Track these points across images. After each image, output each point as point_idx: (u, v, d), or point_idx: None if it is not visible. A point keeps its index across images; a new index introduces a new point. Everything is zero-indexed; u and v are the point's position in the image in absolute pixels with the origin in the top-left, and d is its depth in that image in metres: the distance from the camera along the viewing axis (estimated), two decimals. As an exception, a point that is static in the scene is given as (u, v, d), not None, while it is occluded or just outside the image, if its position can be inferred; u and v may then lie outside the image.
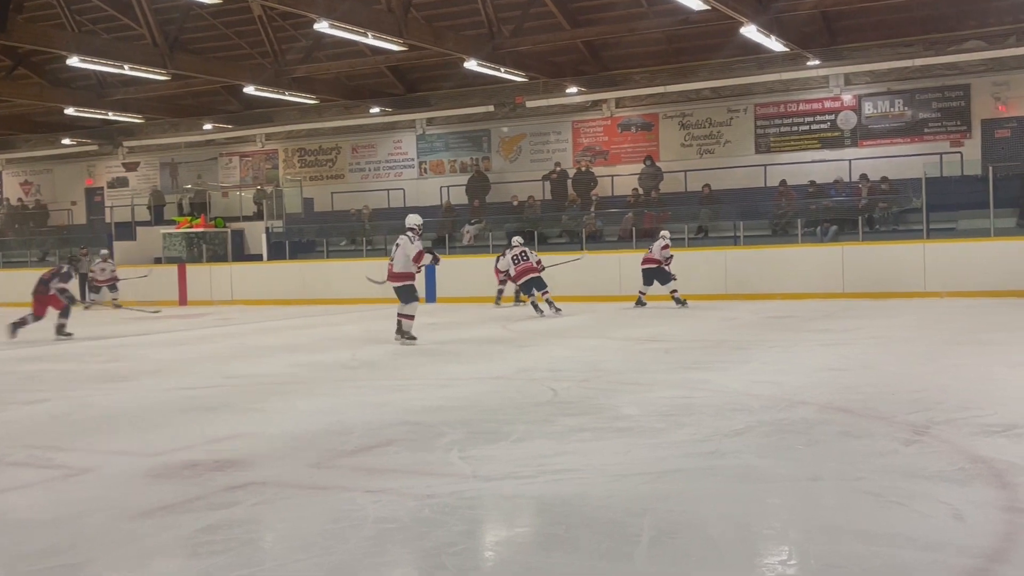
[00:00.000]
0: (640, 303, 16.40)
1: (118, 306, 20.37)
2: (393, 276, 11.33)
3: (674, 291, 16.44)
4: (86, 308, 20.91)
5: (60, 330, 13.49)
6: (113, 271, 21.37)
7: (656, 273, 16.29)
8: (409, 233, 11.47)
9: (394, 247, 11.48)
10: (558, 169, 22.55)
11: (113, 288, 21.30)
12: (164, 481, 4.62)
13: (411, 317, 11.26)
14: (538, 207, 21.93)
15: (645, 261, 16.42)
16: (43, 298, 13.37)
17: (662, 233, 16.86)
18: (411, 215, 11.72)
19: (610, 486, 4.31)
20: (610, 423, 5.80)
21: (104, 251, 21.88)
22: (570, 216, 21.47)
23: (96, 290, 21.47)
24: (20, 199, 29.90)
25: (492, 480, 4.46)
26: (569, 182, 22.39)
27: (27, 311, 13.49)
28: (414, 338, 11.06)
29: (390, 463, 4.88)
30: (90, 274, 21.55)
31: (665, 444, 5.16)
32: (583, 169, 22.43)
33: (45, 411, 6.91)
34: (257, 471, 4.76)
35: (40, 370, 9.60)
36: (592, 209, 21.40)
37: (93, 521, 4.00)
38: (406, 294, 11.32)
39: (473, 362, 9.35)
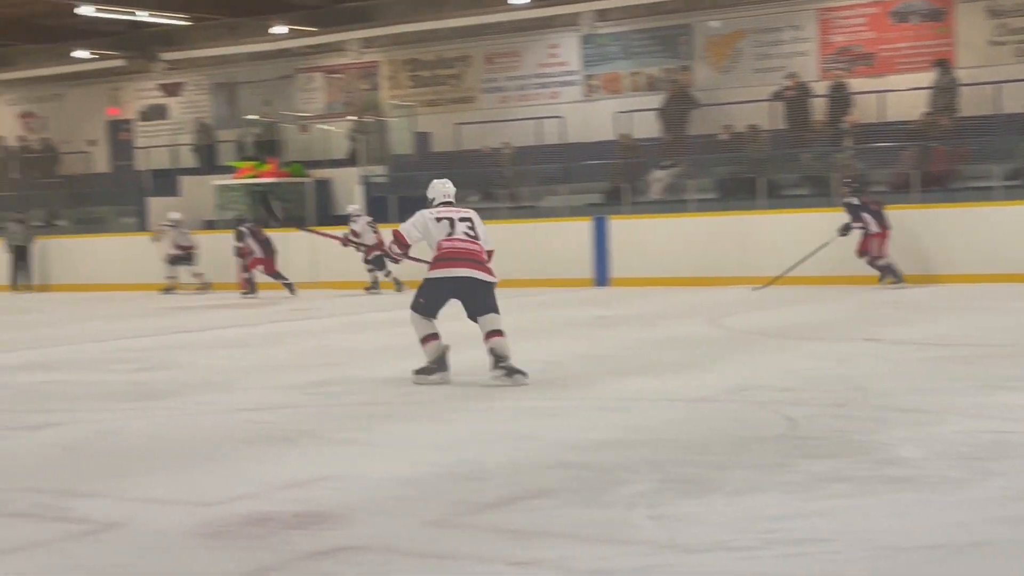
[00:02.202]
0: (896, 279, 17.07)
1: (204, 286, 21.38)
2: (484, 265, 9.23)
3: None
4: (168, 292, 21.90)
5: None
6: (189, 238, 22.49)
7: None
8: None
9: (452, 222, 9.33)
10: (795, 83, 22.17)
11: (189, 260, 22.32)
12: (221, 543, 4.76)
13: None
14: (764, 141, 21.63)
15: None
16: None
17: None
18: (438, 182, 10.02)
19: (878, 565, 4.22)
20: (878, 470, 5.69)
21: (174, 214, 22.83)
22: (814, 154, 21.05)
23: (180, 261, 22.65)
24: (20, 137, 31.45)
25: (696, 552, 4.42)
26: (813, 102, 21.98)
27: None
28: (522, 373, 8.96)
29: (545, 523, 4.89)
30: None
31: (965, 503, 5.04)
32: (835, 82, 21.98)
33: (56, 440, 7.24)
34: (354, 531, 4.86)
35: (48, 382, 10.07)
36: (847, 143, 20.95)
37: (124, 597, 4.16)
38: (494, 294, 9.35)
39: (665, 375, 9.30)
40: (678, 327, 13.15)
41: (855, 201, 17.65)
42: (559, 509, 5.11)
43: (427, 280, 9.17)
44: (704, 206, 20.77)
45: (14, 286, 25.62)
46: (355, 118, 26.06)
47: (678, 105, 23.08)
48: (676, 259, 19.65)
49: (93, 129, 30.76)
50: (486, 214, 22.36)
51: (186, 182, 26.35)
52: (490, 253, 9.27)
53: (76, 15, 25.47)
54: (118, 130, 30.49)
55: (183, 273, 22.69)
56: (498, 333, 9.00)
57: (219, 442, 6.98)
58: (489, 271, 9.13)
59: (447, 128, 25.36)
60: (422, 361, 9.15)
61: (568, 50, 24.91)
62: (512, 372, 8.85)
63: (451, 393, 8.67)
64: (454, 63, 26.22)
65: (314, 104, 27.86)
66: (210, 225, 25.17)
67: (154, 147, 27.75)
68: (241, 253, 20.93)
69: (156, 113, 29.87)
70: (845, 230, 17.50)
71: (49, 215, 28.01)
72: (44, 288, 25.58)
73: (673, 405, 7.86)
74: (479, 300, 9.08)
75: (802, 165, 21.18)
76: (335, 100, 27.64)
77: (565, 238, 20.88)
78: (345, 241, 16.43)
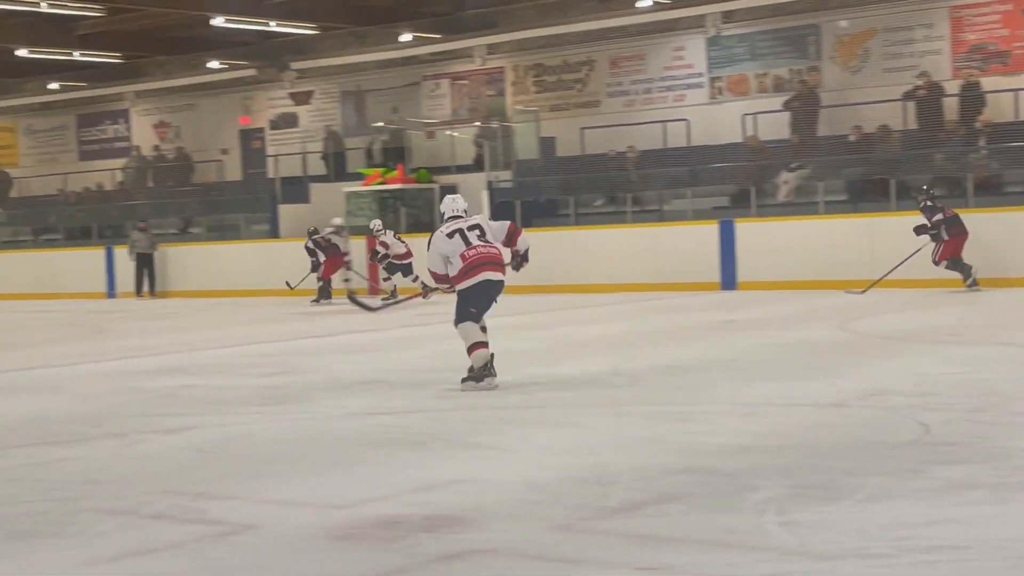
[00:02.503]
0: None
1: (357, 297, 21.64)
2: (503, 266, 9.63)
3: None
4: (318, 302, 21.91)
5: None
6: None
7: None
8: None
9: (462, 232, 9.45)
10: (927, 82, 21.79)
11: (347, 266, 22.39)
12: (352, 545, 4.84)
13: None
14: (895, 141, 21.29)
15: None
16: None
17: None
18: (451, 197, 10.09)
19: (1016, 574, 4.16)
20: (1015, 476, 5.60)
21: (337, 220, 22.99)
22: (947, 155, 20.67)
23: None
24: (155, 147, 32.21)
25: (828, 559, 4.38)
26: (945, 101, 21.58)
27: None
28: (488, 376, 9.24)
29: (672, 528, 4.89)
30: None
31: (1106, 512, 4.91)
32: (967, 81, 21.56)
33: (191, 444, 7.42)
34: (482, 534, 4.90)
35: (181, 386, 10.30)
36: (981, 143, 20.53)
37: (259, 598, 4.25)
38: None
39: (792, 379, 9.24)
40: (807, 331, 13.02)
41: (930, 203, 17.68)
42: (687, 514, 5.10)
43: (465, 290, 9.38)
44: (833, 208, 20.52)
45: (139, 293, 26.26)
46: (480, 124, 26.20)
47: (806, 106, 22.79)
48: (804, 262, 19.43)
49: (225, 138, 31.35)
50: (611, 218, 22.78)
51: (315, 189, 26.73)
52: (517, 233, 9.94)
53: (209, 27, 26.02)
54: (249, 138, 31.03)
55: (337, 279, 22.51)
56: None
57: (350, 445, 7.09)
58: (505, 271, 9.57)
59: (572, 132, 25.35)
60: (463, 369, 9.36)
61: (694, 52, 24.77)
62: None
63: (577, 399, 8.69)
64: (579, 67, 26.22)
65: (440, 110, 28.07)
66: (339, 230, 25.46)
67: (284, 155, 28.17)
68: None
69: (286, 121, 30.33)
70: (928, 231, 17.61)
71: (183, 222, 28.62)
72: (164, 295, 26.13)
73: (803, 410, 7.80)
74: (495, 301, 9.50)
75: (934, 166, 20.79)
76: (461, 106, 27.82)
77: (691, 242, 20.77)
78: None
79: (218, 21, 25.03)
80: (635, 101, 25.47)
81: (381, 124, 27.78)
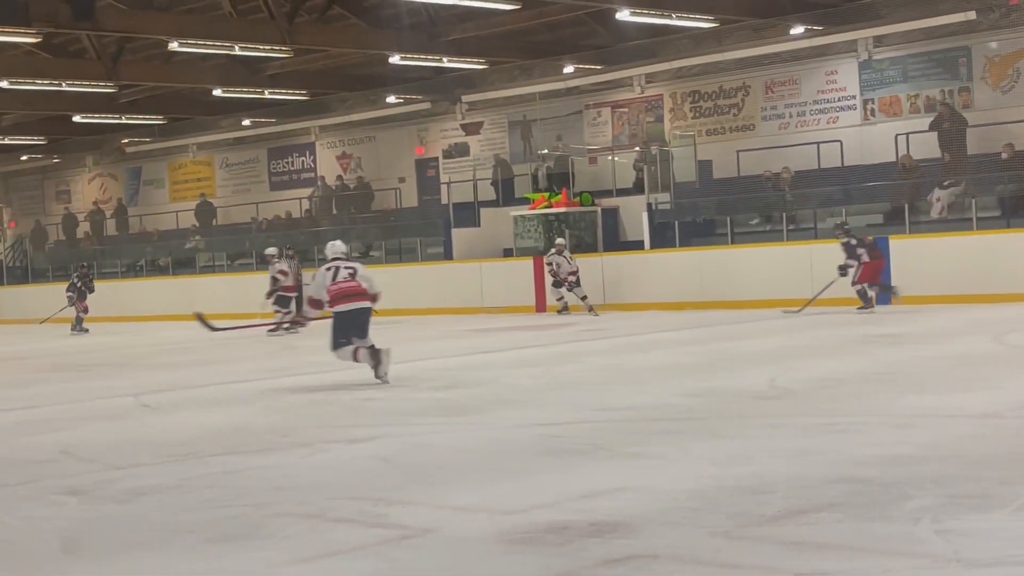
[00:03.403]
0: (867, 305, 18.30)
1: (589, 308, 21.48)
2: (368, 295, 11.70)
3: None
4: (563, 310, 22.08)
5: None
6: None
7: None
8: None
9: (337, 270, 11.58)
10: (1080, 100, 21.13)
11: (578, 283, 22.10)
12: (523, 549, 4.90)
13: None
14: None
15: None
16: None
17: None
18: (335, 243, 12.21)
19: None
20: None
21: (560, 240, 23.01)
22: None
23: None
24: (338, 177, 32.93)
25: (981, 566, 4.31)
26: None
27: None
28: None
29: (828, 536, 4.85)
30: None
31: None
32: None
33: (374, 453, 7.57)
34: (644, 540, 4.92)
35: (363, 399, 10.52)
36: None
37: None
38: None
39: (946, 391, 9.07)
40: (962, 344, 12.72)
41: (852, 241, 18.42)
42: (843, 523, 5.04)
43: (336, 315, 11.47)
44: (986, 224, 19.98)
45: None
46: (640, 149, 26.20)
47: (954, 125, 22.26)
48: (958, 277, 18.96)
49: (402, 167, 31.87)
50: (766, 236, 22.50)
51: (485, 213, 27.02)
52: (376, 296, 11.68)
53: (387, 64, 26.50)
54: (424, 167, 31.51)
55: (567, 295, 22.39)
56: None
57: (519, 455, 7.15)
58: (371, 299, 11.58)
59: (728, 155, 25.19)
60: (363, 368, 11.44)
61: (846, 76, 24.39)
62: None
63: (734, 411, 8.63)
64: (734, 93, 26.04)
65: (601, 137, 28.13)
66: (507, 253, 25.72)
67: (456, 182, 28.53)
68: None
69: (458, 151, 30.72)
70: (844, 269, 18.30)
71: (365, 247, 29.16)
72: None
73: (958, 422, 7.63)
74: (368, 324, 11.49)
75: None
76: (621, 132, 27.84)
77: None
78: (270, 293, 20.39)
79: (395, 59, 25.51)
80: (789, 124, 25.18)
81: (546, 151, 27.96)
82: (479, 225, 26.85)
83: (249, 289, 27.59)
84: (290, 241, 29.52)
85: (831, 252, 18.96)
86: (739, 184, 24.33)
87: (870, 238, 18.75)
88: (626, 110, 27.84)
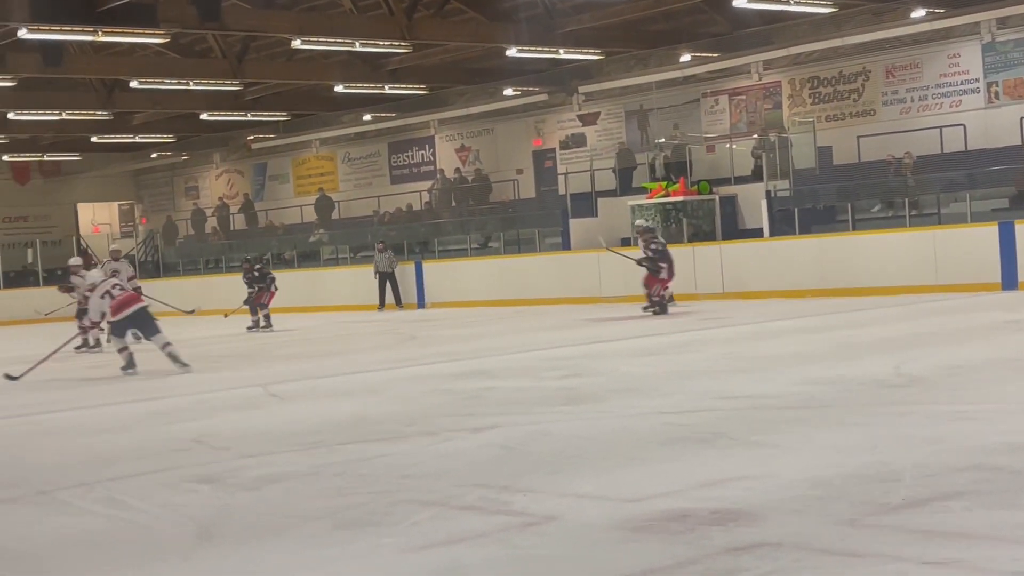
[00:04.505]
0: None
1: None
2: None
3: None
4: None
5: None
6: None
7: None
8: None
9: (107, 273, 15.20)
10: None
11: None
12: (646, 536, 4.89)
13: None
14: None
15: None
16: None
17: None
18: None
19: None
20: None
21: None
22: None
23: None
24: (457, 169, 33.15)
25: (1117, 557, 4.18)
26: None
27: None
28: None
29: (956, 524, 4.78)
30: None
31: None
32: None
33: (496, 441, 7.61)
34: (768, 528, 4.87)
35: (484, 388, 10.58)
36: None
37: (560, 584, 4.33)
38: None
39: (1080, 378, 8.80)
40: (1091, 329, 12.38)
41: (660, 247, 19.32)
42: (971, 511, 4.95)
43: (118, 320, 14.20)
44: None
45: (381, 307, 27.20)
46: (758, 136, 25.94)
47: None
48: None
49: (520, 159, 31.98)
50: (888, 223, 22.12)
51: (603, 203, 27.00)
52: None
53: (504, 57, 26.61)
54: (542, 158, 31.57)
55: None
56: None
57: (640, 443, 7.14)
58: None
59: (848, 141, 24.84)
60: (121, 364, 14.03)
61: (969, 58, 23.86)
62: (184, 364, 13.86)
63: (858, 398, 8.50)
64: (854, 78, 25.63)
65: (719, 125, 27.91)
66: (625, 242, 25.65)
67: (574, 173, 28.54)
68: None
69: (575, 141, 30.73)
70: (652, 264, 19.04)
71: (484, 238, 29.31)
72: (458, 304, 26.64)
73: (1088, 408, 7.43)
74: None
75: None
76: (739, 120, 27.60)
77: (970, 243, 19.98)
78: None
79: (512, 52, 25.60)
80: (911, 108, 24.72)
81: (663, 140, 27.86)
82: (596, 215, 26.83)
83: (370, 281, 27.89)
84: (411, 234, 29.81)
85: (956, 237, 18.60)
86: (860, 170, 24.02)
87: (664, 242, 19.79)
88: (744, 97, 27.59)
